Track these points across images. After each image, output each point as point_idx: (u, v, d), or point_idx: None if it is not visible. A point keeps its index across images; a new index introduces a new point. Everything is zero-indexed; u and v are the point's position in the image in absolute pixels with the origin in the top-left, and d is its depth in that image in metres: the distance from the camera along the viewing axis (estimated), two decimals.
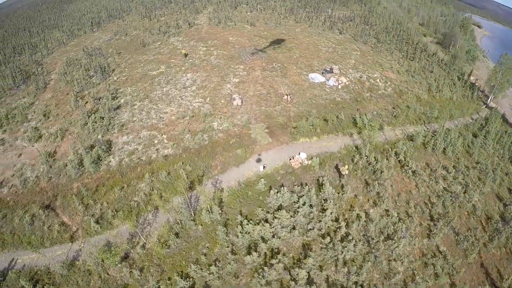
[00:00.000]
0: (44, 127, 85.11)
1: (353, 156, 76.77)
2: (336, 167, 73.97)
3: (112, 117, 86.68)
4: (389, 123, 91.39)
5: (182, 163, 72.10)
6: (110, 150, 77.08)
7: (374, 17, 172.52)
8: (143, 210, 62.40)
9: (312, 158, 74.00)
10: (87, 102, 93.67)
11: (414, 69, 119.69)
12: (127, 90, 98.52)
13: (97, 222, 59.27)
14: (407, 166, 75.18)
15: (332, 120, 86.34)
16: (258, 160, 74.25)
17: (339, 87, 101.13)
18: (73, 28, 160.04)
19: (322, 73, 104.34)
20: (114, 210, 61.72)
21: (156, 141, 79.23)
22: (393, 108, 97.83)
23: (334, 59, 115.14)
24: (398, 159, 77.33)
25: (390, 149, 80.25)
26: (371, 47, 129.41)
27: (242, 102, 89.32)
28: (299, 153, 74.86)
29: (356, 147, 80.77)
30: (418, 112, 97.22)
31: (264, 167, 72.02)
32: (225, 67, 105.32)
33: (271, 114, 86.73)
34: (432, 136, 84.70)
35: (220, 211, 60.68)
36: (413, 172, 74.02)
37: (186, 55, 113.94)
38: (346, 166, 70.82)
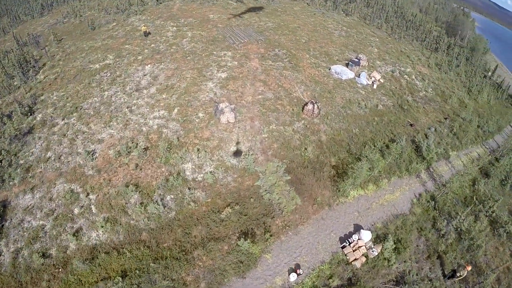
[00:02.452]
0: None
1: (434, 217, 36.87)
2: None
3: (16, 153, 39.75)
4: (452, 146, 49.02)
5: (121, 277, 27.59)
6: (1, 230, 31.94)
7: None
8: None
9: (383, 241, 32.12)
10: None
11: (443, 63, 76.32)
12: (52, 97, 48.98)
13: None
14: (499, 224, 37.37)
15: (388, 149, 42.30)
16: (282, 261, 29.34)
17: (374, 86, 55.36)
18: (19, 13, 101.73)
19: (348, 65, 57.72)
20: None
21: (77, 209, 33.98)
22: (446, 118, 55.52)
23: (352, 45, 69.06)
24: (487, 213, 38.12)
25: (473, 197, 40.61)
26: (387, 33, 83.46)
27: (235, 117, 42.16)
28: (358, 232, 32.98)
29: (433, 198, 39.02)
30: (473, 125, 55.58)
31: (297, 272, 28.67)
32: (204, 55, 56.79)
33: (289, 139, 41.18)
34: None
35: None
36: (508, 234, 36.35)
37: (146, 33, 64.70)
38: None
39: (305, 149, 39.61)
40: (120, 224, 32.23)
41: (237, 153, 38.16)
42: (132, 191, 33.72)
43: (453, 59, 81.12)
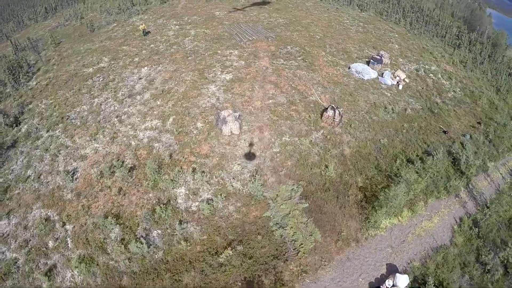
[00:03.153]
0: None
1: (478, 247, 27.69)
2: None
3: None
4: (490, 155, 39.90)
5: None
6: None
7: None
8: None
9: (422, 285, 23.50)
10: None
11: (467, 60, 66.57)
12: (40, 105, 41.04)
13: None
14: None
15: (423, 163, 33.51)
16: None
17: (400, 87, 46.34)
18: (23, 18, 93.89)
19: (369, 63, 48.62)
20: None
21: (52, 241, 26.61)
22: (479, 123, 45.84)
23: (371, 41, 59.77)
24: None
25: None
26: (405, 28, 73.75)
27: (241, 127, 33.71)
28: (392, 276, 24.43)
29: (476, 223, 30.21)
30: (508, 130, 45.54)
31: None
32: (208, 54, 48.30)
33: (306, 154, 32.63)
34: None
35: None
36: None
37: (145, 32, 56.57)
38: None
39: (326, 166, 31.01)
40: (98, 264, 24.27)
41: (242, 174, 29.68)
42: (111, 223, 25.54)
43: (477, 56, 71.42)
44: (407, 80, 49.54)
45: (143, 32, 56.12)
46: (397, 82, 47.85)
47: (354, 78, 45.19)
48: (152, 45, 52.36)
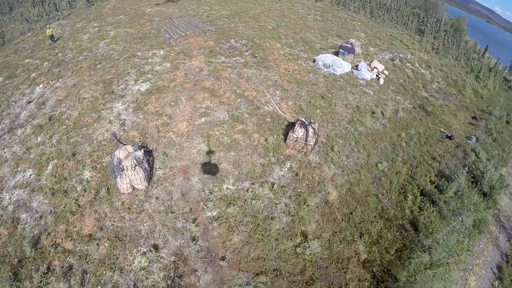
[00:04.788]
0: None
1: None
2: None
3: None
4: (500, 159, 27.42)
5: None
6: None
7: None
8: None
9: None
10: None
11: (439, 47, 54.86)
12: None
13: None
14: None
15: (442, 193, 20.06)
16: None
17: (381, 81, 32.12)
18: None
19: (338, 53, 33.85)
20: None
21: None
22: (474, 118, 33.82)
23: (334, 30, 45.44)
24: None
25: None
26: (366, 17, 60.67)
27: (149, 175, 17.61)
28: None
29: None
30: (503, 122, 35.36)
31: None
32: (123, 58, 31.53)
33: (264, 216, 16.27)
34: None
35: None
36: None
37: (53, 38, 39.65)
38: None
39: (303, 235, 15.74)
40: None
41: (150, 272, 13.87)
42: None
43: (444, 42, 59.86)
44: (386, 72, 35.47)
45: (50, 38, 38.92)
46: (377, 76, 33.68)
47: (323, 73, 30.17)
48: (59, 54, 35.01)
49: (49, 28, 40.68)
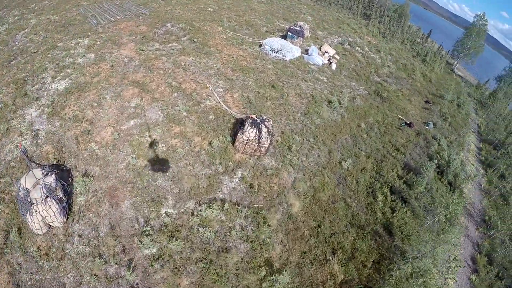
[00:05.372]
0: None
1: None
2: None
3: None
4: (457, 144, 27.33)
5: None
6: None
7: None
8: None
9: None
10: None
11: (386, 31, 55.08)
12: None
13: None
14: None
15: (412, 189, 18.40)
16: None
17: (333, 66, 29.66)
18: None
19: (287, 36, 30.66)
20: None
21: None
22: (427, 102, 33.55)
23: (280, 13, 42.23)
24: None
25: None
26: (312, 0, 58.50)
27: (66, 209, 13.07)
28: None
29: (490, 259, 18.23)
30: (454, 105, 36.26)
31: None
32: (42, 51, 25.29)
33: (217, 249, 12.68)
34: None
35: None
36: None
37: None
38: None
39: (267, 264, 12.31)
40: None
41: None
42: None
43: (389, 26, 59.91)
44: (337, 57, 33.00)
45: None
46: (328, 60, 31.08)
47: (271, 59, 26.74)
48: None
49: None
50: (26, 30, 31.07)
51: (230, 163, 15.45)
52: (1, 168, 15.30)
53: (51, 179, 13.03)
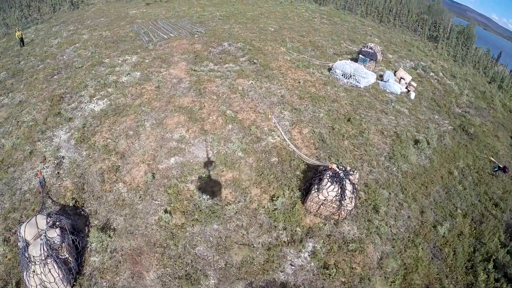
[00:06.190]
0: None
1: None
2: None
3: None
4: None
5: None
6: None
7: None
8: None
9: None
10: None
11: (456, 54, 47.86)
12: None
13: None
14: None
15: None
16: None
17: (412, 95, 23.92)
18: None
19: (358, 59, 25.58)
20: None
21: None
22: None
23: (345, 34, 37.44)
24: None
25: None
26: (375, 22, 53.08)
27: (75, 265, 9.36)
28: None
29: None
30: None
31: None
32: (86, 66, 22.87)
33: None
34: None
35: None
36: None
37: (22, 41, 31.47)
38: None
39: None
40: None
41: None
42: None
43: (458, 49, 52.54)
44: (414, 84, 27.33)
45: (20, 41, 30.67)
46: (407, 88, 25.57)
47: (343, 85, 21.95)
48: (22, 62, 26.64)
49: (18, 31, 32.38)
50: (76, 44, 29.27)
51: (298, 229, 10.80)
52: (15, 200, 12.07)
53: (55, 233, 9.26)
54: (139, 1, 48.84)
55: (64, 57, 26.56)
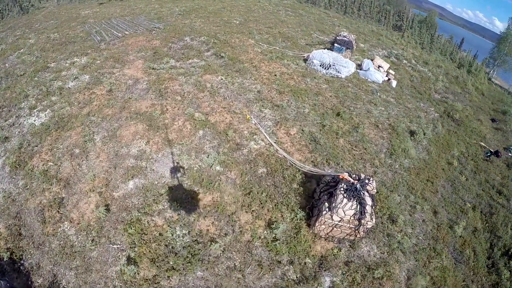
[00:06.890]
0: None
1: None
2: None
3: None
4: None
5: None
6: None
7: None
8: None
9: None
10: None
11: (424, 42, 48.62)
12: None
13: None
14: None
15: None
16: None
17: (393, 83, 22.24)
18: None
19: (334, 49, 23.48)
20: None
21: None
22: (493, 120, 25.78)
23: (313, 25, 35.54)
24: None
25: None
26: (339, 13, 52.14)
27: None
28: None
29: None
30: None
31: None
32: (29, 73, 18.90)
33: None
34: None
35: None
36: None
37: None
38: None
39: None
40: None
41: None
42: None
43: (425, 37, 53.29)
44: (392, 72, 25.84)
45: None
46: (387, 76, 23.91)
47: (322, 76, 19.62)
48: None
49: None
50: (21, 50, 25.11)
51: (308, 260, 8.23)
52: None
53: None
54: (92, 2, 44.55)
55: (6, 64, 22.47)
